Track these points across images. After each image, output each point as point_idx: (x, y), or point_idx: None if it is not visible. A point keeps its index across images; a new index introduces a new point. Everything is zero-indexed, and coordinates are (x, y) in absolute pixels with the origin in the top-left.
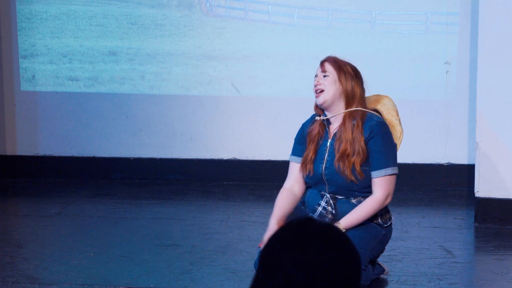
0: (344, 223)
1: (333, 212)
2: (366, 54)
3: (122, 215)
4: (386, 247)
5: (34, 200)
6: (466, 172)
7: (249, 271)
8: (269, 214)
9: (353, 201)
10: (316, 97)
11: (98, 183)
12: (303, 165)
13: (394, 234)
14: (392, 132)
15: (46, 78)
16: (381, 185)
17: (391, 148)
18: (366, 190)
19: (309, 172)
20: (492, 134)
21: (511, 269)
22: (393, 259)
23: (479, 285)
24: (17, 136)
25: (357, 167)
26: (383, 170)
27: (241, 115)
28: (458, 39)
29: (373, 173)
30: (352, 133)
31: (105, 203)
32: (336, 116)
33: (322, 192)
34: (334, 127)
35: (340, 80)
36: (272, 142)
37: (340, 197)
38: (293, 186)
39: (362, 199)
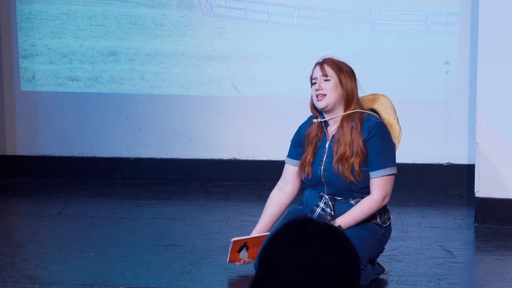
0: (340, 222)
1: (332, 213)
2: (366, 54)
3: (122, 215)
4: (386, 247)
5: (34, 200)
6: (466, 172)
7: (249, 271)
8: None
9: (352, 202)
10: (318, 101)
11: (98, 183)
12: (302, 167)
13: (394, 234)
14: (390, 131)
15: (46, 78)
16: (379, 185)
17: (390, 148)
18: (365, 191)
19: (308, 174)
20: (492, 134)
21: (511, 269)
22: (393, 259)
23: (479, 285)
24: (17, 136)
25: (356, 167)
26: (381, 170)
27: (241, 115)
28: (458, 39)
29: (372, 174)
30: (351, 135)
31: (105, 203)
32: (334, 118)
33: (321, 193)
34: (332, 129)
35: (341, 84)
36: (272, 142)
37: (339, 198)
38: (284, 187)
39: (361, 199)
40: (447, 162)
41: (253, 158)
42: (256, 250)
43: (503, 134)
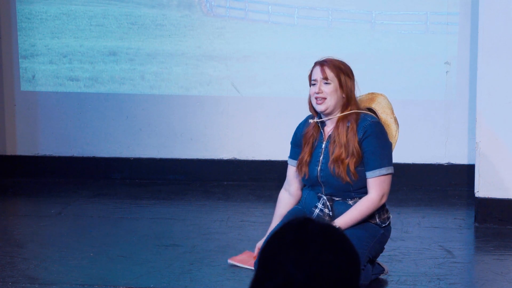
0: (339, 223)
1: (330, 214)
2: (366, 54)
3: (122, 215)
4: (386, 247)
5: (34, 200)
6: (466, 172)
7: (249, 271)
8: (269, 214)
9: (350, 202)
10: (318, 103)
11: (98, 183)
12: (299, 167)
13: (394, 234)
14: (387, 131)
15: (46, 78)
16: (376, 185)
17: (386, 148)
18: (362, 191)
19: (305, 174)
20: (492, 134)
21: (511, 269)
22: (393, 259)
23: (479, 285)
24: (17, 136)
25: (352, 168)
26: (377, 170)
27: (241, 115)
28: (458, 39)
29: (368, 174)
30: (346, 136)
31: (105, 203)
32: (331, 118)
33: (319, 194)
34: (328, 129)
35: (341, 87)
36: (272, 142)
37: (337, 199)
38: (289, 188)
39: (359, 199)
40: (447, 162)
41: (253, 158)
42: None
43: (503, 134)
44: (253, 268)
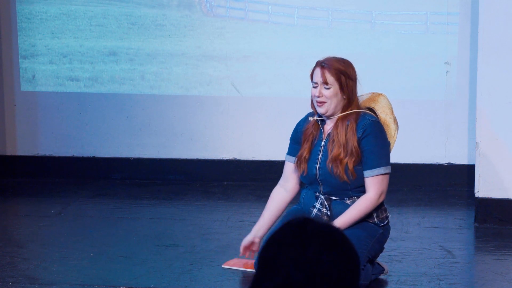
0: (338, 224)
1: (328, 213)
2: (366, 54)
3: (122, 215)
4: (386, 247)
5: (34, 200)
6: (466, 172)
7: (249, 272)
8: None
9: (348, 201)
10: (318, 106)
11: (98, 183)
12: (298, 163)
13: (394, 234)
14: (386, 130)
15: (46, 78)
16: (374, 184)
17: (384, 147)
18: (360, 190)
19: (303, 171)
20: (492, 134)
21: (511, 269)
22: (393, 259)
23: (479, 285)
24: (17, 136)
25: (350, 167)
26: (375, 169)
27: (241, 115)
28: (458, 39)
29: (366, 173)
30: (345, 135)
31: (105, 203)
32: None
33: (317, 194)
34: (328, 127)
35: (342, 90)
36: (272, 142)
37: (335, 198)
38: (285, 184)
39: (356, 199)
40: (447, 162)
41: (253, 158)
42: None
43: (503, 134)
44: (248, 269)
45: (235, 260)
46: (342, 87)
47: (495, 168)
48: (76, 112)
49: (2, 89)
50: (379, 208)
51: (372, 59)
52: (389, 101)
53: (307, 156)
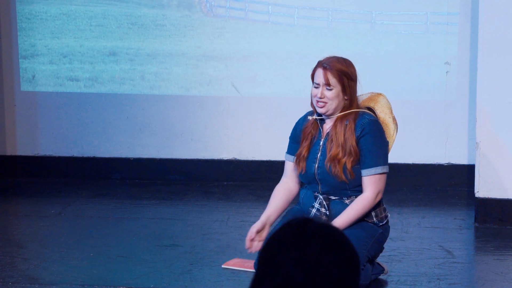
0: (337, 224)
1: (327, 213)
2: (366, 54)
3: (122, 215)
4: (386, 247)
5: (34, 200)
6: (466, 172)
7: (249, 272)
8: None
9: (347, 201)
10: (319, 107)
11: (98, 183)
12: (296, 162)
13: (394, 234)
14: (385, 130)
15: (46, 78)
16: (371, 183)
17: (382, 147)
18: (359, 189)
19: (302, 170)
20: (492, 134)
21: (511, 269)
22: (393, 259)
23: (479, 285)
24: (17, 136)
25: (349, 167)
26: (373, 169)
27: (241, 115)
28: (458, 39)
29: (363, 172)
30: (344, 135)
31: (105, 203)
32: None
33: (316, 194)
34: (327, 126)
35: (344, 91)
36: (272, 142)
37: (334, 198)
38: (288, 182)
39: (355, 198)
40: (447, 162)
41: (253, 158)
42: None
43: (503, 134)
44: (248, 269)
45: (235, 260)
46: (344, 89)
47: (495, 168)
48: (76, 112)
49: (2, 89)
50: (378, 207)
51: (372, 59)
52: (388, 101)
53: (305, 155)
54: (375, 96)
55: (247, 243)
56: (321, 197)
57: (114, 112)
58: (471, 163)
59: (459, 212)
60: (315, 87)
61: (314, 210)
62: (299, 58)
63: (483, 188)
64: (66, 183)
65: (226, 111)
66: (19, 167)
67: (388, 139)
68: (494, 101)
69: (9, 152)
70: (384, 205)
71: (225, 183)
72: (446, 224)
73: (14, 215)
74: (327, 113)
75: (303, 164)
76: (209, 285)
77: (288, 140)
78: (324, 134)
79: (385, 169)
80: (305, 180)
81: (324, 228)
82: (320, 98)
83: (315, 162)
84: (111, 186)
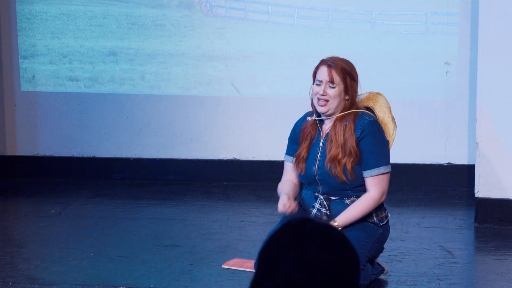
0: (340, 221)
1: (328, 213)
2: (366, 54)
3: (122, 215)
4: (386, 247)
5: (34, 200)
6: (466, 172)
7: (249, 272)
8: (269, 214)
9: (347, 201)
10: (320, 105)
11: (98, 183)
12: (296, 163)
13: (394, 234)
14: (384, 129)
15: (46, 78)
16: (376, 183)
17: (383, 147)
18: (359, 190)
19: (301, 170)
20: (492, 134)
21: (511, 269)
22: (393, 259)
23: (479, 285)
24: (17, 136)
25: (349, 167)
26: (375, 169)
27: (241, 115)
28: (458, 39)
29: (366, 173)
30: (344, 136)
31: (105, 203)
32: (330, 117)
33: (316, 194)
34: (326, 127)
35: (346, 91)
36: (272, 142)
37: (334, 198)
38: (289, 180)
39: (355, 198)
40: (447, 162)
41: (253, 158)
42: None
43: (503, 134)
44: (248, 269)
45: (235, 260)
46: (346, 88)
47: (495, 168)
48: (76, 112)
49: (2, 89)
50: (378, 207)
51: (372, 59)
52: (387, 100)
53: (305, 156)
54: (374, 95)
55: (283, 208)
56: (321, 197)
57: (114, 112)
58: (471, 163)
59: (459, 212)
60: (317, 85)
61: (314, 210)
62: (299, 58)
63: (483, 188)
64: (66, 183)
65: (226, 111)
66: (19, 167)
67: (387, 139)
68: (494, 101)
69: (9, 152)
70: (385, 205)
71: (225, 183)
72: (446, 224)
73: (14, 215)
74: (327, 113)
75: (302, 165)
76: (209, 285)
77: (287, 140)
78: (324, 135)
79: (388, 168)
80: (305, 181)
81: (324, 228)
82: (322, 95)
83: (315, 163)
84: (111, 186)
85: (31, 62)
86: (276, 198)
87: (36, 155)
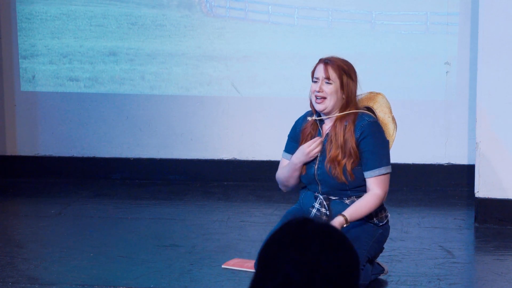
0: (348, 215)
1: (327, 213)
2: (366, 54)
3: (122, 215)
4: (386, 247)
5: (34, 200)
6: (466, 172)
7: (249, 272)
8: (269, 214)
9: (347, 201)
10: (317, 103)
11: (98, 183)
12: None
13: (394, 234)
14: (385, 130)
15: (46, 78)
16: (378, 183)
17: (384, 147)
18: (358, 190)
19: (302, 171)
20: (492, 134)
21: (511, 269)
22: (393, 259)
23: (479, 285)
24: (17, 136)
25: (348, 168)
26: (377, 170)
27: (241, 115)
28: (458, 39)
29: (368, 173)
30: (344, 136)
31: (105, 203)
32: (330, 117)
33: (316, 194)
34: (327, 127)
35: (342, 88)
36: (272, 142)
37: (334, 198)
38: None
39: (355, 198)
40: (447, 162)
41: (253, 158)
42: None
43: (503, 134)
44: (248, 269)
45: (235, 260)
46: (342, 85)
47: (495, 168)
48: (76, 112)
49: (2, 89)
50: (378, 207)
51: (372, 59)
52: (387, 100)
53: None
54: (374, 95)
55: (308, 149)
56: (321, 197)
57: (114, 112)
58: (471, 163)
59: (459, 212)
60: (314, 82)
61: (314, 210)
62: (299, 58)
63: (483, 188)
64: (66, 183)
65: (226, 111)
66: (19, 167)
67: (387, 139)
68: (494, 101)
69: (9, 152)
70: (384, 205)
71: (225, 183)
72: (446, 224)
73: (14, 215)
74: (325, 111)
75: (302, 166)
76: (209, 285)
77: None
78: (324, 135)
79: (388, 169)
80: (305, 181)
81: (324, 228)
82: (319, 92)
83: (315, 163)
84: (111, 186)
85: (31, 62)
86: (276, 198)
87: (36, 155)
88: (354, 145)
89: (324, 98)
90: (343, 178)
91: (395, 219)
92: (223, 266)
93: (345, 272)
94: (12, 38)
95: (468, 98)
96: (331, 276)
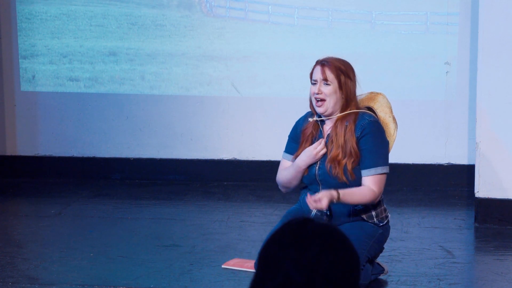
0: (342, 193)
1: (328, 213)
2: (366, 54)
3: (122, 215)
4: (386, 247)
5: (34, 200)
6: (466, 172)
7: (249, 272)
8: (269, 214)
9: None
10: (317, 106)
11: (98, 183)
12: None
13: (394, 234)
14: (385, 130)
15: (46, 78)
16: (374, 182)
17: (383, 147)
18: None
19: (304, 171)
20: (492, 134)
21: (511, 269)
22: (393, 259)
23: (479, 285)
24: (17, 136)
25: (349, 168)
26: (373, 169)
27: (241, 115)
28: (458, 40)
29: (364, 172)
30: (344, 136)
31: (105, 203)
32: (330, 118)
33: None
34: (327, 128)
35: (341, 88)
36: (272, 142)
37: None
38: None
39: None
40: (447, 162)
41: (253, 158)
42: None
43: (503, 134)
44: (248, 269)
45: (235, 260)
46: (340, 85)
47: (495, 168)
48: (76, 112)
49: (2, 89)
50: (379, 207)
51: (372, 59)
52: (388, 100)
53: None
54: (375, 95)
55: (314, 151)
56: None
57: (114, 112)
58: (471, 163)
59: (459, 212)
60: (313, 84)
61: (314, 210)
62: (299, 58)
63: (483, 188)
64: (66, 183)
65: (226, 111)
66: (19, 167)
67: (388, 139)
68: (494, 101)
69: (9, 152)
70: (385, 205)
71: (225, 183)
72: (446, 224)
73: (14, 215)
74: (326, 113)
75: None
76: (209, 285)
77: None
78: (325, 135)
79: (385, 169)
80: (306, 181)
81: (324, 228)
82: (318, 94)
83: (316, 163)
84: (111, 186)
85: (31, 62)
86: (276, 198)
87: (36, 155)
88: (354, 144)
89: (324, 100)
90: (344, 178)
91: (395, 219)
92: (223, 266)
93: (345, 272)
94: (12, 38)
95: (468, 98)
96: (331, 276)
